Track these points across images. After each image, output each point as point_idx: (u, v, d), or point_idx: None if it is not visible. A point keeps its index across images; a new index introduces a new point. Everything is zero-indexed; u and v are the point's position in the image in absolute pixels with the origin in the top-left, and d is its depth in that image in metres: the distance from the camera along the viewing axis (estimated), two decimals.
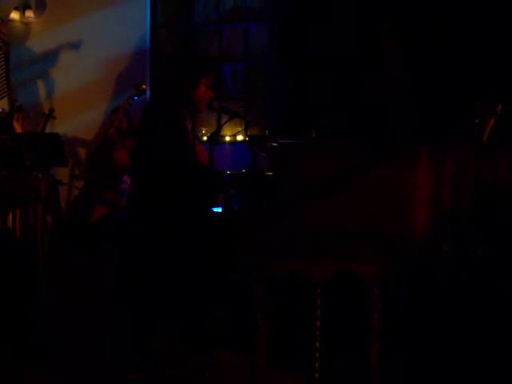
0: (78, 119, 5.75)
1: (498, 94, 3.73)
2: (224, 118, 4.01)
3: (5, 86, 4.30)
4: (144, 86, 5.29)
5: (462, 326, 3.36)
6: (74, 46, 5.80)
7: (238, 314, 3.58)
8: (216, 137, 3.97)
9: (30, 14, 5.80)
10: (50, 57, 5.86)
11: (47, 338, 3.55)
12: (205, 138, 5.60)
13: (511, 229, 3.05)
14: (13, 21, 5.77)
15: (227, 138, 5.66)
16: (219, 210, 3.76)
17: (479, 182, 2.96)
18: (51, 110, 5.41)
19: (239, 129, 5.39)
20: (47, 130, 5.29)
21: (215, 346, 3.57)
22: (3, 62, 4.31)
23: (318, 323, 2.95)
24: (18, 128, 5.24)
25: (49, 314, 3.59)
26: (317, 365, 2.97)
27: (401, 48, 4.50)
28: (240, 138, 5.67)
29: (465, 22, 4.59)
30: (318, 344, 2.95)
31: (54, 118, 5.42)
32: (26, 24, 5.87)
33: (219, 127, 4.50)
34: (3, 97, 4.27)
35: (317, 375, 2.99)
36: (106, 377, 3.51)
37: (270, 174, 3.40)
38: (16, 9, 5.78)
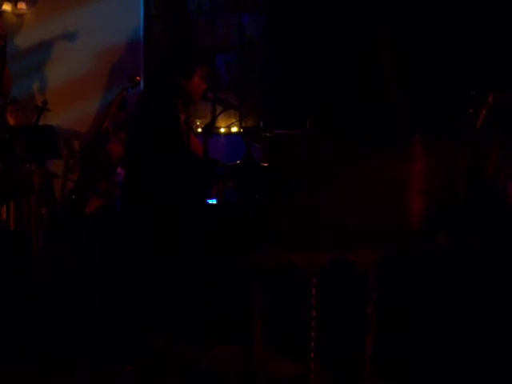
0: (71, 111, 5.73)
1: (492, 83, 3.73)
2: (218, 110, 3.99)
3: None
4: (138, 78, 5.27)
5: (458, 317, 3.37)
6: (67, 37, 5.78)
7: (233, 306, 3.58)
8: (210, 128, 3.96)
9: (22, 5, 5.78)
10: (43, 49, 5.83)
11: (42, 332, 3.55)
12: (199, 130, 5.58)
13: (504, 217, 3.06)
14: (5, 12, 5.74)
15: (222, 130, 5.64)
16: (214, 201, 3.76)
17: (472, 171, 2.97)
18: (45, 102, 5.38)
19: (233, 120, 5.38)
20: (41, 123, 5.26)
21: (212, 338, 3.57)
22: None
23: (313, 313, 2.95)
24: (11, 120, 5.22)
25: (42, 306, 3.58)
26: (312, 355, 2.98)
27: (394, 47, 4.51)
28: (234, 129, 5.66)
29: (458, 12, 4.59)
30: (313, 334, 2.96)
31: (48, 110, 5.39)
32: (19, 16, 5.84)
33: (213, 118, 4.49)
34: None
35: (312, 365, 3.00)
36: (102, 368, 3.51)
37: (264, 165, 3.40)
38: (8, 0, 5.76)
